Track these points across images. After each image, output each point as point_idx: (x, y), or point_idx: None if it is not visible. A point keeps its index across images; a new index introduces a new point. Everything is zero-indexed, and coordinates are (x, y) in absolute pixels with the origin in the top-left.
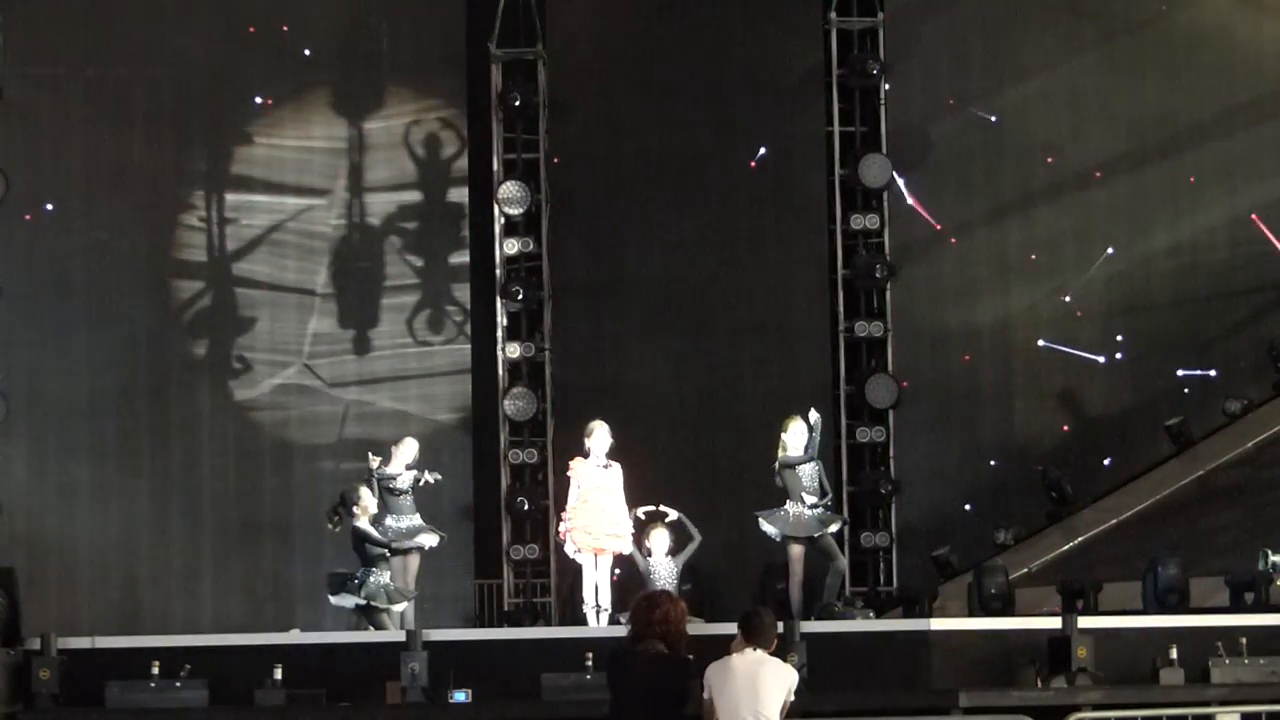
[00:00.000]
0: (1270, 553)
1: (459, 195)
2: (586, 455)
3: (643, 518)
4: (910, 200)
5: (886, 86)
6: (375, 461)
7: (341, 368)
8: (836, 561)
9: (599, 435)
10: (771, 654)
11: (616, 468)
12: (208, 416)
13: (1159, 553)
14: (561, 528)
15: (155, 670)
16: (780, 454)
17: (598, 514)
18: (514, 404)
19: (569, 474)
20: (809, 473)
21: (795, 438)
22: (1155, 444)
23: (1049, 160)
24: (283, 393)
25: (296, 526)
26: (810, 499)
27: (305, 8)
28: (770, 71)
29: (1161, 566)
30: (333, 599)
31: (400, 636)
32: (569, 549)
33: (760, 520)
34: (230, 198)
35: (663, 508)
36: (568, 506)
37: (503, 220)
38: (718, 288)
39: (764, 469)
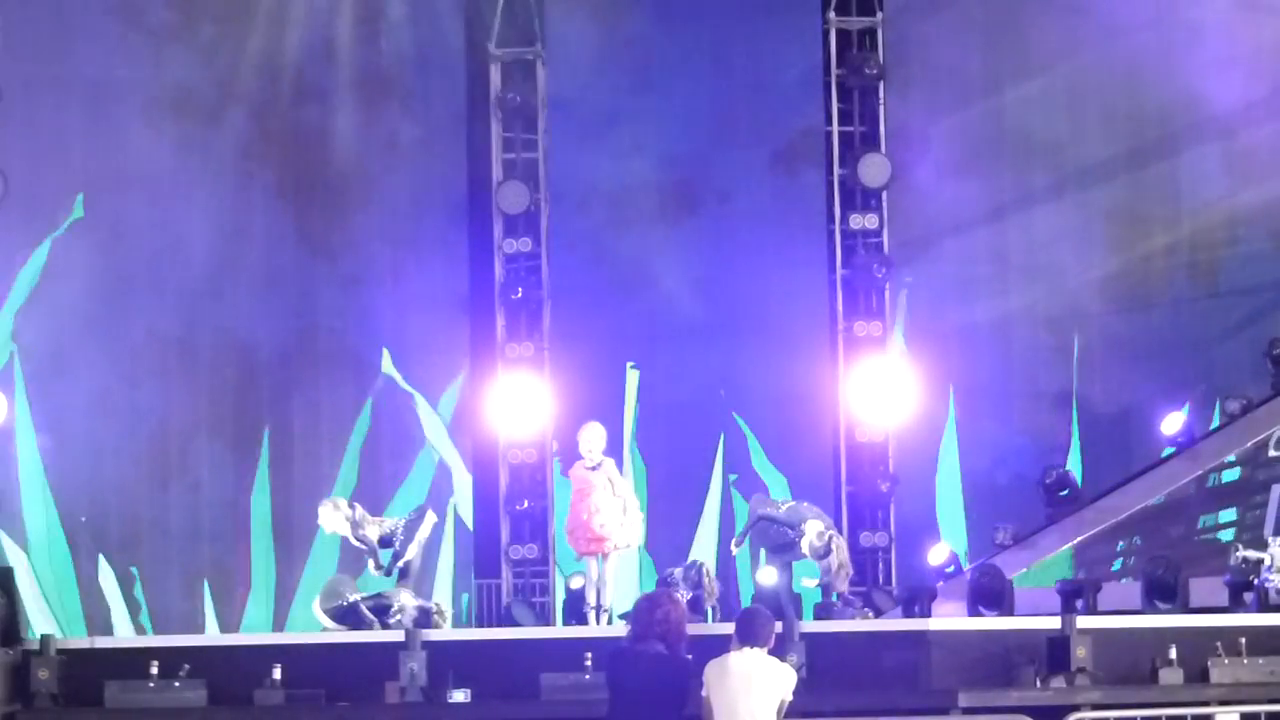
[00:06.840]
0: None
1: (458, 195)
2: (582, 458)
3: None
4: None
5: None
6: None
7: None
8: None
9: (586, 436)
10: (770, 653)
11: (608, 464)
12: (208, 415)
13: (1159, 553)
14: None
15: (154, 670)
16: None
17: (582, 516)
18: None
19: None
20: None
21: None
22: (1155, 444)
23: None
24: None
25: (296, 526)
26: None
27: (303, 7)
28: (770, 71)
29: (1161, 567)
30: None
31: (399, 636)
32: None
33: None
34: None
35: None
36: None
37: (502, 220)
38: (717, 288)
39: (763, 468)
